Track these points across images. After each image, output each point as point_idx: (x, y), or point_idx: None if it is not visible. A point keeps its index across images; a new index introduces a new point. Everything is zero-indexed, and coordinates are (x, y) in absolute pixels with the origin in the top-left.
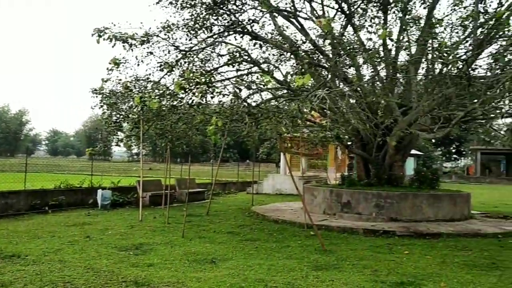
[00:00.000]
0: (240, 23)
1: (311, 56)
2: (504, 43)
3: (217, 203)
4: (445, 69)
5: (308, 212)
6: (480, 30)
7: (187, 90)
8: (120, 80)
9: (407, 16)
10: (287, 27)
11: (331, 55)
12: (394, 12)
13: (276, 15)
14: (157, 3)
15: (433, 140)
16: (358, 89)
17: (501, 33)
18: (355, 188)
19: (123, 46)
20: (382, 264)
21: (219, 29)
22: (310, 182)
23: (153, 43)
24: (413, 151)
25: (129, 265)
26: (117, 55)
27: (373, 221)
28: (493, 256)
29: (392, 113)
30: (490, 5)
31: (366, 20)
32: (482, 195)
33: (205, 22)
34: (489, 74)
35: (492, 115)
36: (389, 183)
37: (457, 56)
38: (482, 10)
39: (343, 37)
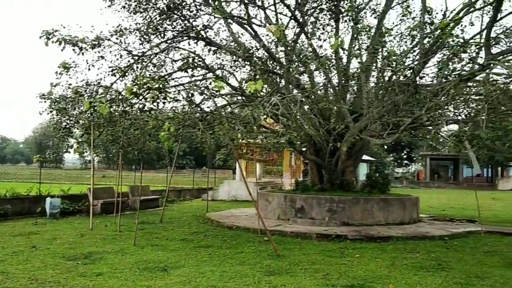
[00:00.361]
0: (194, 28)
1: (265, 62)
2: (448, 52)
3: (172, 210)
4: (394, 77)
5: (261, 218)
6: (426, 40)
7: (138, 95)
8: (70, 84)
9: (358, 25)
10: (242, 34)
11: (284, 62)
12: (345, 21)
13: (231, 21)
14: (109, 6)
15: (385, 147)
16: (311, 95)
17: (445, 43)
18: (309, 193)
19: (73, 49)
20: (333, 267)
21: (173, 34)
22: (265, 188)
23: (104, 47)
24: (366, 157)
25: (77, 275)
26: (67, 58)
27: (326, 225)
28: (439, 258)
29: (344, 120)
30: (435, 17)
31: (318, 29)
32: (431, 199)
33: (158, 27)
34: (435, 82)
35: (438, 122)
36: (342, 188)
37: (405, 64)
38: (428, 21)
39: (296, 45)
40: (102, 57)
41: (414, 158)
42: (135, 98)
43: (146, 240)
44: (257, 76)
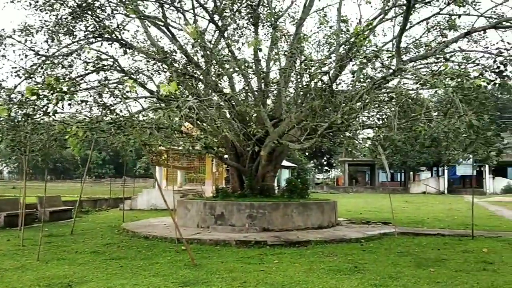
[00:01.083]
0: (107, 28)
1: (184, 66)
2: (361, 57)
3: (86, 221)
4: (312, 83)
5: (177, 226)
6: (342, 47)
7: (41, 96)
8: None
9: (277, 32)
10: (161, 37)
11: (204, 66)
12: (265, 27)
13: (149, 24)
14: (12, 2)
15: (306, 153)
16: (230, 99)
17: (359, 49)
18: (229, 199)
19: None
20: (251, 275)
21: (86, 35)
22: (186, 195)
23: (6, 46)
24: (287, 163)
25: None
26: None
27: (246, 232)
28: (356, 260)
29: (264, 125)
30: (351, 25)
31: (237, 33)
32: (349, 203)
33: (69, 26)
34: (351, 88)
35: (353, 126)
36: (262, 194)
37: (321, 70)
38: (344, 29)
39: (216, 48)
40: (4, 56)
41: (334, 164)
42: (38, 100)
43: (52, 254)
44: (174, 79)
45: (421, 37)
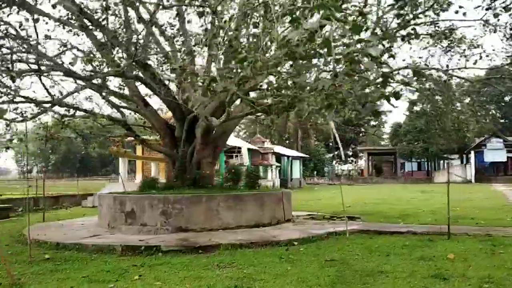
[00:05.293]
0: None
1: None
2: None
3: (17, 221)
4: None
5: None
6: None
7: None
8: None
9: None
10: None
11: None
12: None
13: None
14: None
15: (331, 144)
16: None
17: None
18: (142, 193)
19: None
20: None
21: None
22: None
23: None
24: (298, 154)
25: None
26: None
27: (155, 233)
28: (252, 275)
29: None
30: None
31: None
32: (356, 195)
33: None
34: None
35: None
36: (195, 184)
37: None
38: None
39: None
40: None
41: (361, 155)
42: None
43: None
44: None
45: None
